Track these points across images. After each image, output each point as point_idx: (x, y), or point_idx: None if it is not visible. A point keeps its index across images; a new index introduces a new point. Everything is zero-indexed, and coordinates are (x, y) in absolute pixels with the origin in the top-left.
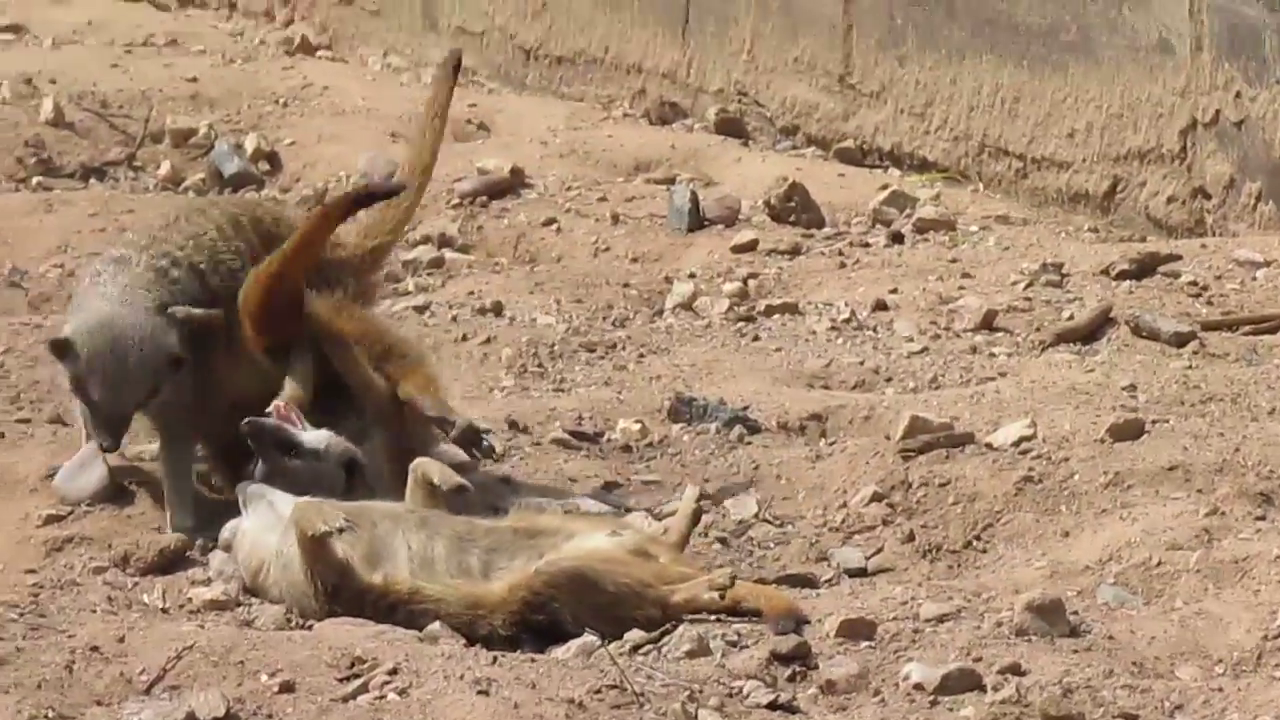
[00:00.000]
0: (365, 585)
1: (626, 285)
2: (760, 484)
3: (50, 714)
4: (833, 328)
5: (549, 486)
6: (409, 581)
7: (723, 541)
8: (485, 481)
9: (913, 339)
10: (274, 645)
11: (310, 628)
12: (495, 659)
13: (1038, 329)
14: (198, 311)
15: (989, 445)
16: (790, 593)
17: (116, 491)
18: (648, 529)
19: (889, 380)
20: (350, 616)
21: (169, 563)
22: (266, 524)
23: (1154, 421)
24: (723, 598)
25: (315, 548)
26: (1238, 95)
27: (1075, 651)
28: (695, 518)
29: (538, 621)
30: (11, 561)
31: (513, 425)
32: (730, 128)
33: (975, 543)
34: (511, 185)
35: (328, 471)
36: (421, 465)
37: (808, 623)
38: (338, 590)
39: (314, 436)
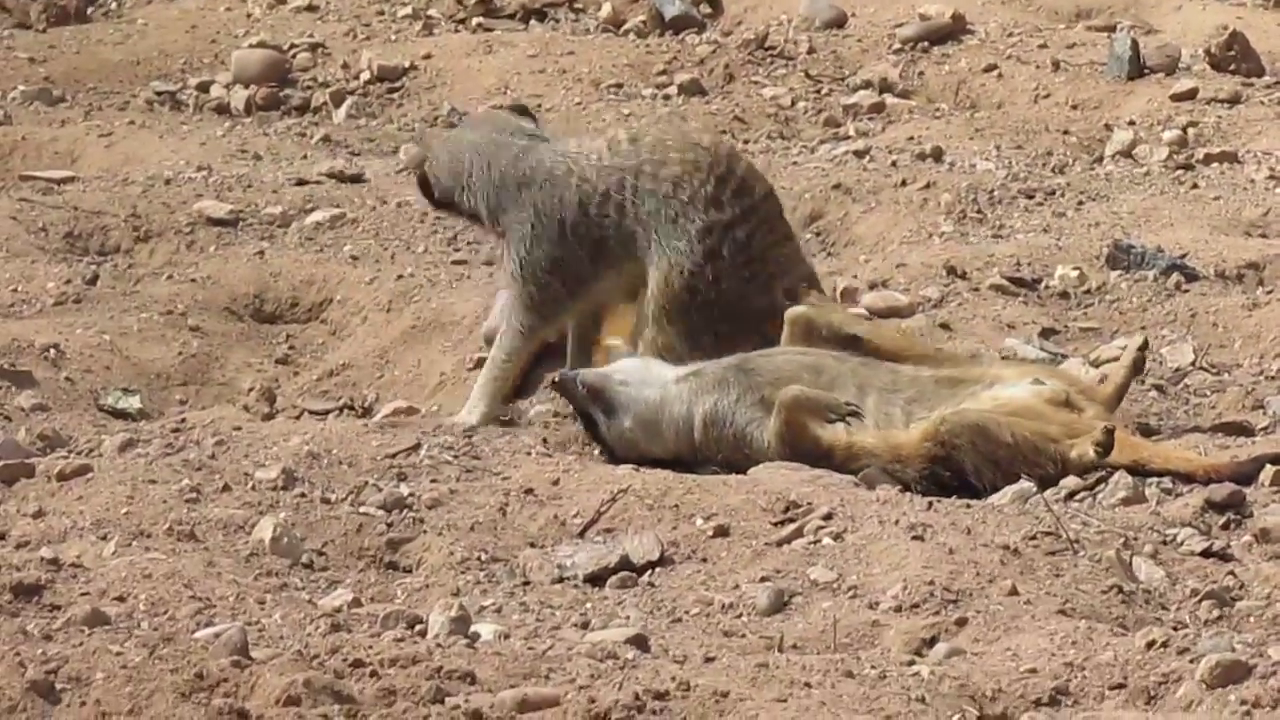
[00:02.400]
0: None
1: (1066, 132)
2: (1197, 332)
3: (483, 555)
4: (1271, 177)
5: (986, 332)
6: (845, 438)
7: (1159, 389)
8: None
9: None
10: (709, 489)
11: (745, 472)
12: (930, 504)
13: None
14: None
15: None
16: (1226, 441)
17: None
18: (1082, 377)
19: None
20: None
21: None
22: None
23: None
24: (1102, 453)
25: (800, 431)
26: None
27: None
28: (1137, 367)
29: (943, 475)
30: (447, 404)
31: (951, 271)
32: None
33: None
34: (952, 31)
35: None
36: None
37: (1247, 483)
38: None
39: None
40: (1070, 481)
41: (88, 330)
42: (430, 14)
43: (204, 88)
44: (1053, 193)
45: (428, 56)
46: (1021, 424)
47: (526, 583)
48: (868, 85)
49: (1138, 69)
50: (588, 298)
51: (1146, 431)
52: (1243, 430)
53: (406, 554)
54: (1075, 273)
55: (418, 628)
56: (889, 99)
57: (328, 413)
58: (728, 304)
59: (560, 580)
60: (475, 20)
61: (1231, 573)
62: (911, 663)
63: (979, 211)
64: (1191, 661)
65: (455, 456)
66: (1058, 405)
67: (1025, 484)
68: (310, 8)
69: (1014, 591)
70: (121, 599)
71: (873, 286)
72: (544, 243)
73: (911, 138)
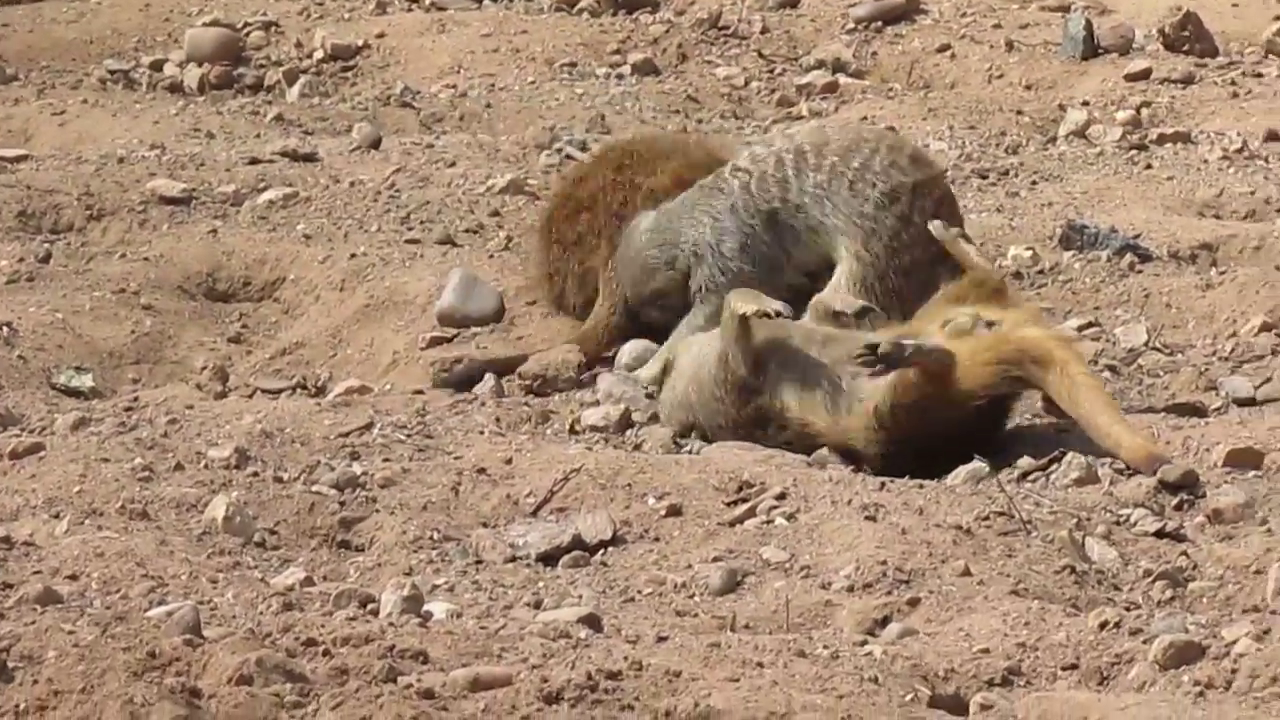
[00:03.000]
0: (769, 407)
1: (1019, 112)
2: (1150, 312)
3: (436, 535)
4: (1224, 157)
5: None
6: (799, 415)
7: (1112, 370)
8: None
9: None
10: (662, 468)
11: (698, 452)
12: (883, 484)
13: None
14: None
15: None
16: (1179, 422)
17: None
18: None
19: None
20: (750, 437)
21: (555, 384)
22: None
23: None
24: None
25: (741, 327)
26: None
27: None
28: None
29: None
30: (399, 383)
31: None
32: None
33: None
34: (906, 11)
35: None
36: (821, 301)
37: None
38: (745, 396)
39: None
40: (1024, 462)
41: (40, 308)
42: None
43: (157, 66)
44: (1006, 173)
45: (381, 35)
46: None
47: (479, 562)
48: (821, 65)
49: (1091, 49)
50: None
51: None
52: (1196, 411)
53: (359, 533)
54: (1028, 253)
55: (370, 607)
56: (842, 79)
57: (280, 391)
58: (918, 270)
59: (513, 559)
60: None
61: (1184, 553)
62: (864, 643)
63: None
64: (1144, 642)
65: (408, 436)
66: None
67: (978, 464)
68: None
69: (967, 572)
70: (74, 577)
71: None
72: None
73: (865, 117)
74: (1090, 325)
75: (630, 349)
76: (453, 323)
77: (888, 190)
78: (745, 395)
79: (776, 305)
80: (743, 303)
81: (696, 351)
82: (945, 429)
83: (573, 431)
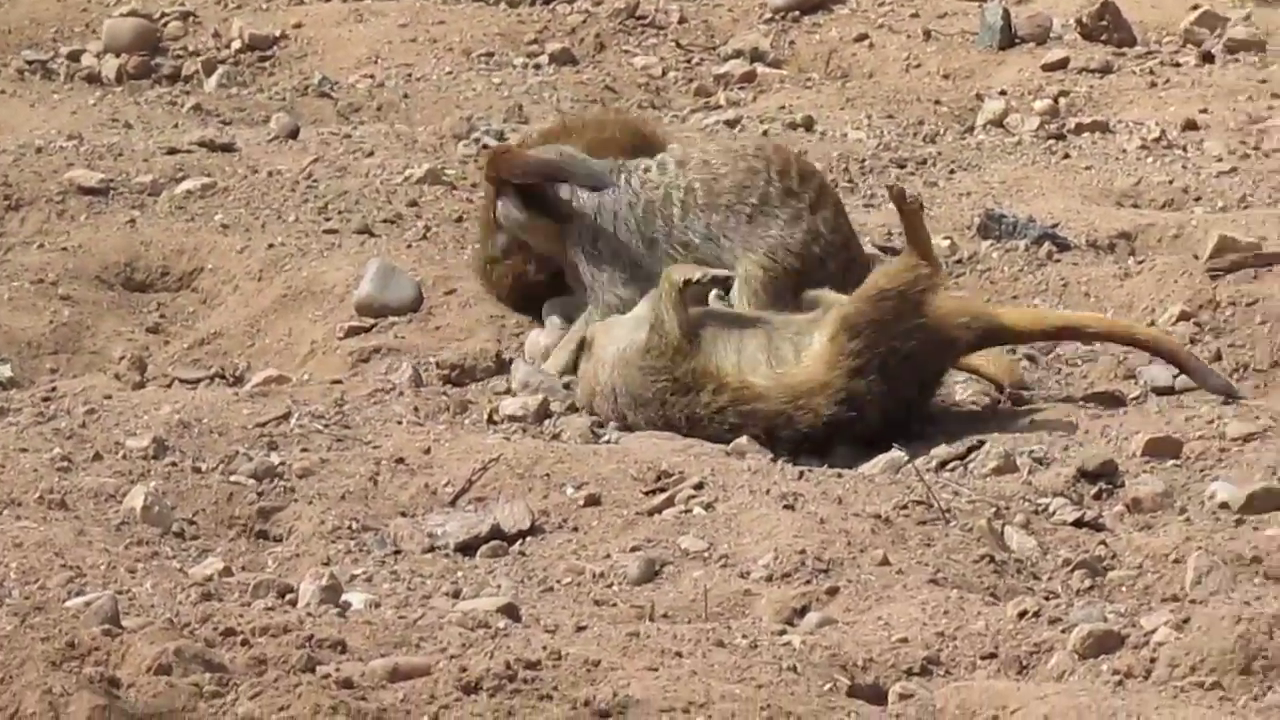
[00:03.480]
0: (704, 370)
1: (937, 102)
2: (1068, 301)
3: (354, 525)
4: (1142, 146)
5: None
6: (737, 375)
7: (1031, 359)
8: None
9: (1222, 158)
10: (580, 458)
11: (616, 442)
12: (801, 474)
13: None
14: None
15: None
16: (1098, 411)
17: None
18: None
19: (1198, 199)
20: (685, 409)
21: (473, 374)
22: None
23: None
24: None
25: (678, 295)
26: None
27: None
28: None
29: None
30: (317, 372)
31: None
32: None
33: None
34: (824, 1)
35: None
36: (673, 270)
37: None
38: (678, 360)
39: None
40: (941, 451)
41: None
42: None
43: (75, 56)
44: (924, 162)
45: (298, 25)
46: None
47: (397, 552)
48: (739, 54)
49: (1009, 38)
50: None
51: (1018, 401)
52: (1115, 400)
53: (277, 523)
54: (946, 242)
55: (288, 596)
56: (760, 68)
57: (198, 381)
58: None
59: (431, 549)
60: None
61: (1103, 542)
62: (783, 632)
63: (850, 181)
64: (1063, 631)
65: (326, 425)
66: None
67: (896, 453)
68: None
69: (885, 561)
70: None
71: None
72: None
73: (783, 107)
74: None
75: (533, 340)
76: (370, 312)
77: (790, 216)
78: (678, 359)
79: (715, 271)
80: (681, 273)
81: (619, 333)
82: (896, 373)
83: (491, 421)
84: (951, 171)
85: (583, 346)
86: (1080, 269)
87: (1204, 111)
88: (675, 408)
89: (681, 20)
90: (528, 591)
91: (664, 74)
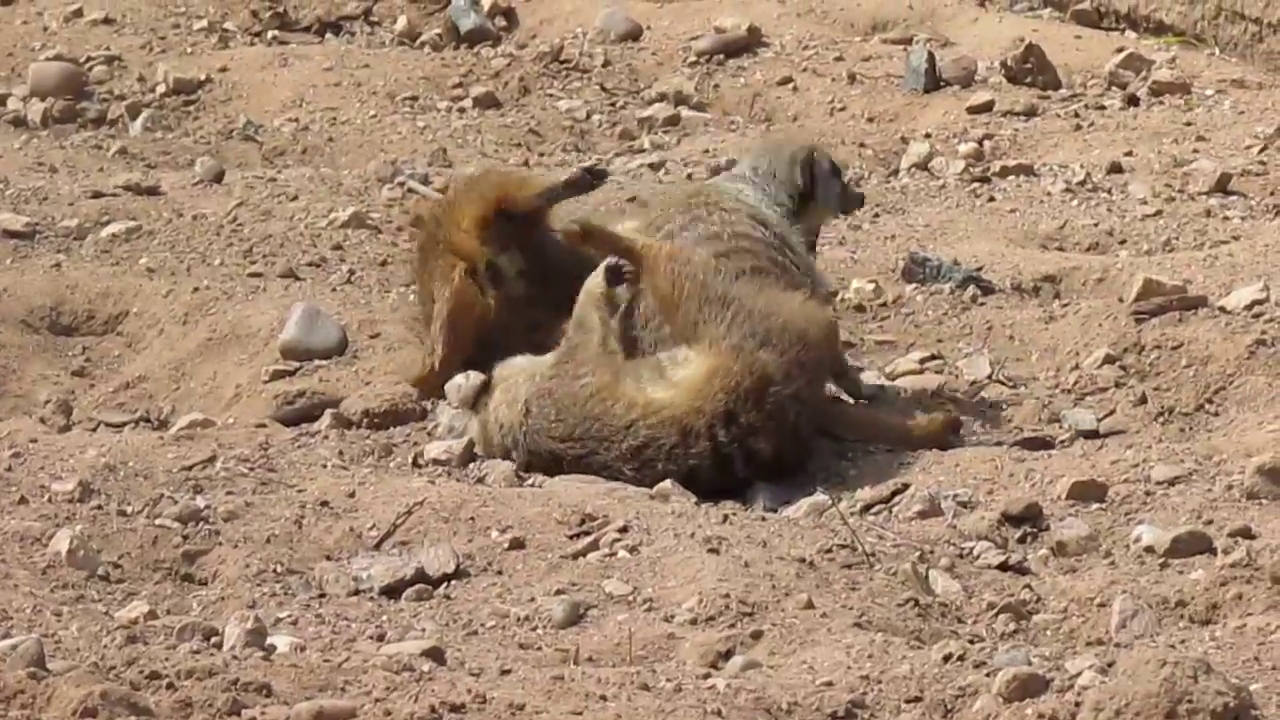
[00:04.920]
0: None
1: (862, 145)
2: (993, 345)
3: (279, 568)
4: (1067, 189)
5: None
6: (644, 393)
7: (955, 401)
8: None
9: (1147, 201)
10: (505, 502)
11: (541, 485)
12: (725, 517)
13: (1272, 193)
14: None
15: (1222, 309)
16: (1023, 455)
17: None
18: None
19: (1123, 242)
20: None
21: (398, 418)
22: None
23: None
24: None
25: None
26: None
27: None
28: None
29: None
30: (242, 415)
31: None
32: None
33: (1207, 406)
34: (748, 44)
35: None
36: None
37: None
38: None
39: None
40: (866, 494)
41: None
42: (226, 27)
43: (0, 100)
44: None
45: (224, 69)
46: None
47: (322, 595)
48: (663, 98)
49: (934, 82)
50: None
51: (944, 446)
52: (1040, 443)
53: (202, 566)
54: (871, 285)
55: (214, 640)
56: (684, 111)
57: (124, 425)
58: None
59: (356, 592)
60: (270, 33)
61: (1028, 586)
62: (707, 675)
63: None
64: (988, 675)
65: (251, 469)
66: None
67: (820, 497)
68: (107, 20)
69: (810, 605)
70: None
71: None
72: None
73: (707, 150)
74: (933, 358)
75: (454, 385)
76: (295, 356)
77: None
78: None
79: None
80: (599, 278)
81: (520, 362)
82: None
83: (416, 465)
84: (876, 215)
85: (486, 386)
86: (1005, 312)
87: (1129, 154)
88: (591, 423)
89: (606, 64)
90: (453, 635)
91: (588, 117)
